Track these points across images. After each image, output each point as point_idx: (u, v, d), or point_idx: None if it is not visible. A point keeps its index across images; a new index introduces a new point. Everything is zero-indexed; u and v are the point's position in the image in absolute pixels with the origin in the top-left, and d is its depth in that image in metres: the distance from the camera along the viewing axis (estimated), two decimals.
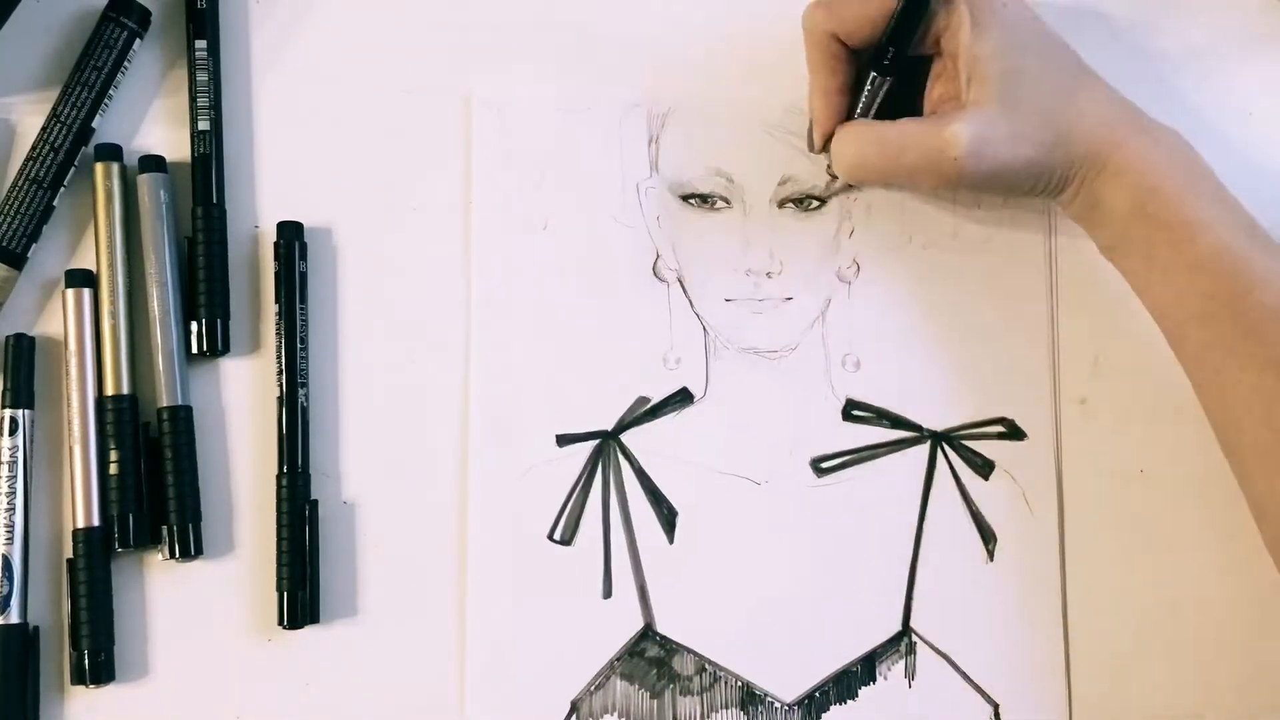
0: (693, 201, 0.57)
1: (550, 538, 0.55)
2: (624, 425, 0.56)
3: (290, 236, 0.55)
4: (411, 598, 0.54)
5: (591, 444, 0.55)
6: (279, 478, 0.54)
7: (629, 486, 0.55)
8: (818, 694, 0.55)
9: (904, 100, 0.54)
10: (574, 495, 0.55)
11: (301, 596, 0.53)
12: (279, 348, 0.54)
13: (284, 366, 0.54)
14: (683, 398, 0.56)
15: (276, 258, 0.55)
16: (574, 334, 0.56)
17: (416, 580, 0.54)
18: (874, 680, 0.55)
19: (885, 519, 0.56)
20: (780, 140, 0.57)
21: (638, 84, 0.57)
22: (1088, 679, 0.54)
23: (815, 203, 0.57)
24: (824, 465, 0.56)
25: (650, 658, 0.54)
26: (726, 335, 0.56)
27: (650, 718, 0.54)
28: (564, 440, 0.55)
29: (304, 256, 0.55)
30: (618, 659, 0.54)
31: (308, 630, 0.53)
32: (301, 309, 0.55)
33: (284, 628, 0.53)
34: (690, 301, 0.56)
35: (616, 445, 0.56)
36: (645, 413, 0.56)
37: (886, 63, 0.52)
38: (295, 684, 0.53)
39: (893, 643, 0.55)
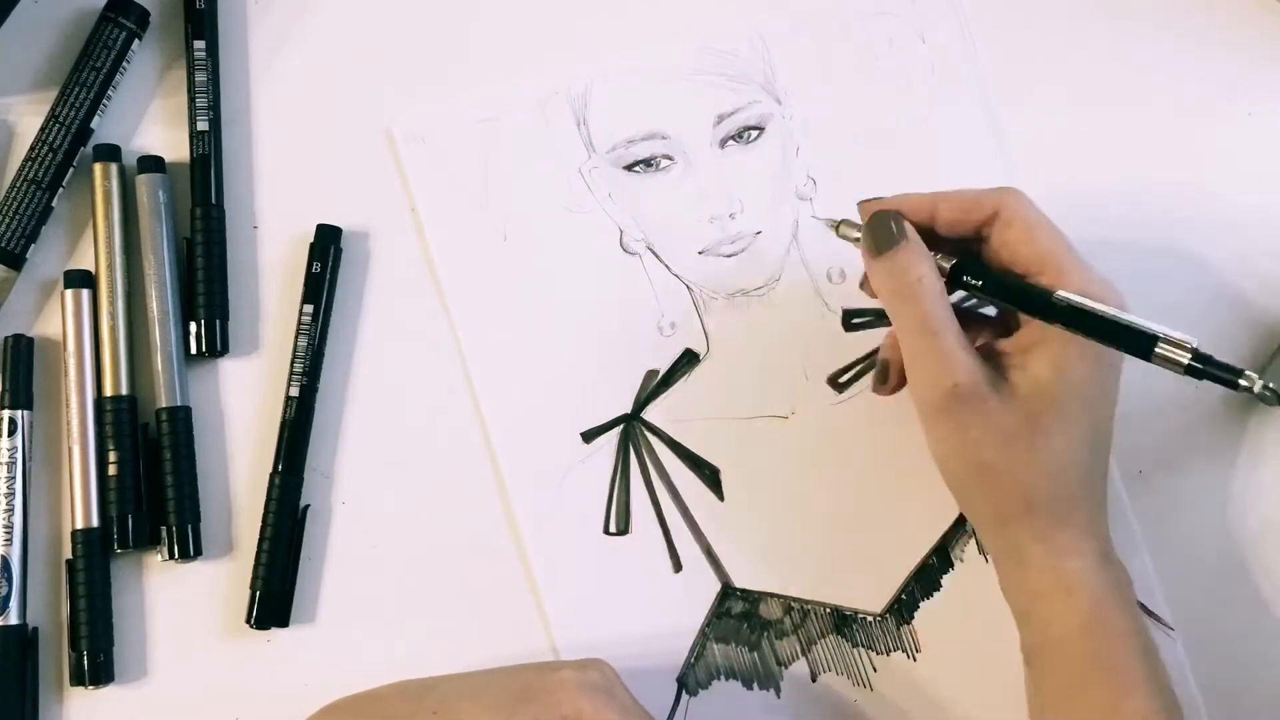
0: (637, 169, 0.57)
1: (607, 531, 0.55)
2: (642, 403, 0.56)
3: (327, 240, 0.55)
4: (408, 588, 0.54)
5: (617, 430, 0.56)
6: (272, 476, 0.54)
7: (665, 459, 0.56)
8: (904, 596, 0.55)
9: None
10: (616, 485, 0.55)
11: (282, 595, 0.54)
12: (296, 349, 0.55)
13: (307, 369, 0.55)
14: (689, 359, 0.56)
15: (312, 259, 0.55)
16: (565, 331, 0.56)
17: (412, 570, 0.55)
18: (952, 566, 0.56)
19: (913, 410, 0.56)
20: (704, 83, 0.58)
21: (549, 72, 0.57)
22: (1146, 495, 0.55)
23: (754, 132, 0.58)
24: (841, 380, 0.57)
25: (738, 614, 0.55)
26: (711, 287, 0.57)
27: (755, 670, 0.55)
28: (589, 435, 0.56)
29: (323, 259, 0.55)
30: (707, 625, 0.55)
31: (308, 630, 0.54)
32: (325, 312, 0.55)
33: (252, 626, 0.53)
34: (666, 265, 0.57)
35: (641, 424, 0.56)
36: (658, 385, 0.56)
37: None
38: (295, 685, 0.54)
39: (958, 525, 0.56)
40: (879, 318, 0.57)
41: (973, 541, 0.56)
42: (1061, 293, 0.46)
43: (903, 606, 0.55)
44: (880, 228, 0.49)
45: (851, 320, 0.57)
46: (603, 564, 0.55)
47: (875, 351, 0.56)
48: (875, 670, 0.55)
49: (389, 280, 0.56)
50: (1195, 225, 0.58)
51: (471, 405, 0.56)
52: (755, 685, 0.55)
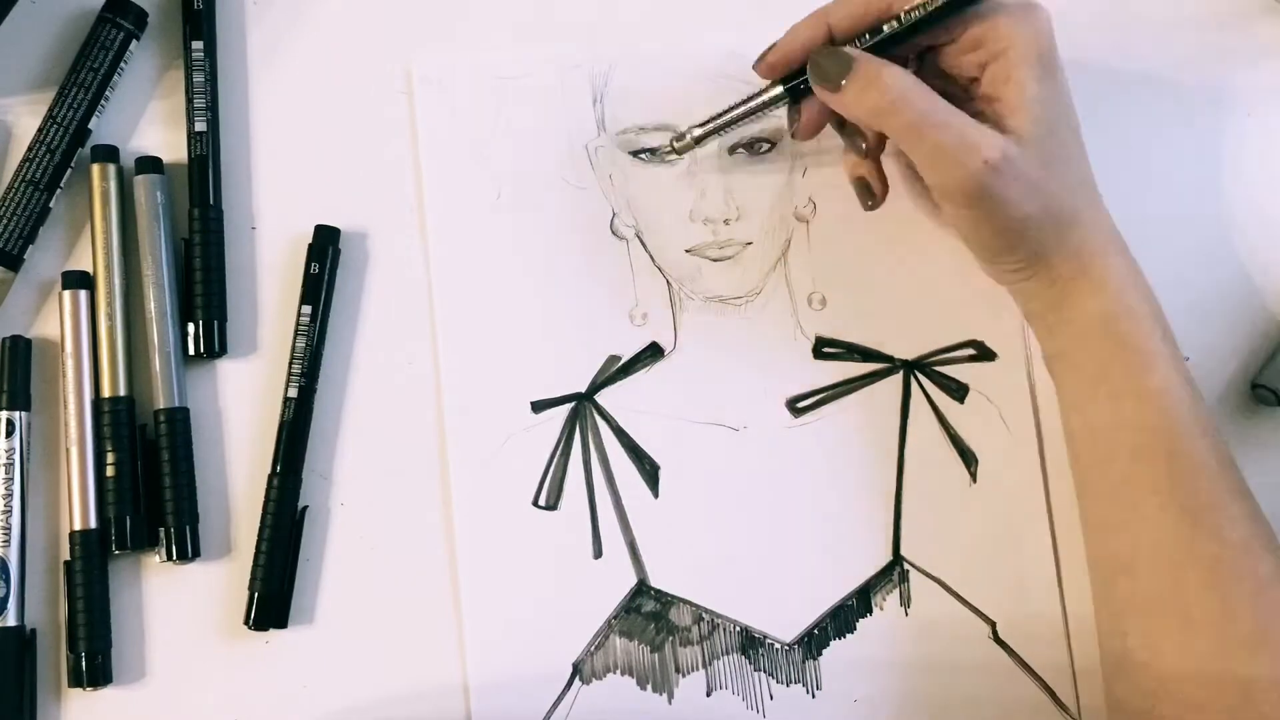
0: (643, 156, 0.58)
1: (535, 504, 0.55)
2: (597, 385, 0.56)
3: (325, 241, 0.56)
4: (407, 589, 0.55)
5: (567, 407, 0.56)
6: (270, 477, 0.55)
7: (609, 446, 0.56)
8: (816, 631, 0.55)
9: None
10: (555, 459, 0.56)
11: (280, 596, 0.54)
12: (294, 350, 0.55)
13: (305, 370, 0.55)
14: (653, 353, 0.57)
15: (310, 259, 0.56)
16: (538, 300, 0.57)
17: (410, 571, 0.55)
18: (870, 612, 0.56)
19: (866, 452, 0.57)
20: (725, 87, 0.58)
21: (576, 44, 0.58)
22: (1080, 588, 0.55)
23: (766, 145, 0.58)
24: (800, 405, 0.57)
25: (647, 613, 0.55)
26: (690, 286, 0.57)
27: (652, 672, 0.55)
28: (539, 406, 0.56)
29: (321, 260, 0.56)
30: (614, 617, 0.55)
31: (306, 631, 0.55)
32: (323, 313, 0.56)
33: (250, 628, 0.54)
34: (651, 256, 0.57)
35: (592, 406, 0.56)
36: (617, 371, 0.57)
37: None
38: (294, 685, 0.54)
39: (885, 573, 0.56)
40: (851, 351, 0.57)
41: (895, 593, 0.56)
42: None
43: (813, 641, 0.55)
44: (824, 63, 0.51)
45: (823, 349, 0.57)
46: (524, 535, 0.55)
47: (838, 384, 0.56)
48: (772, 699, 0.55)
49: (388, 281, 0.57)
50: (1195, 225, 0.59)
51: (434, 370, 0.56)
52: (649, 687, 0.55)
